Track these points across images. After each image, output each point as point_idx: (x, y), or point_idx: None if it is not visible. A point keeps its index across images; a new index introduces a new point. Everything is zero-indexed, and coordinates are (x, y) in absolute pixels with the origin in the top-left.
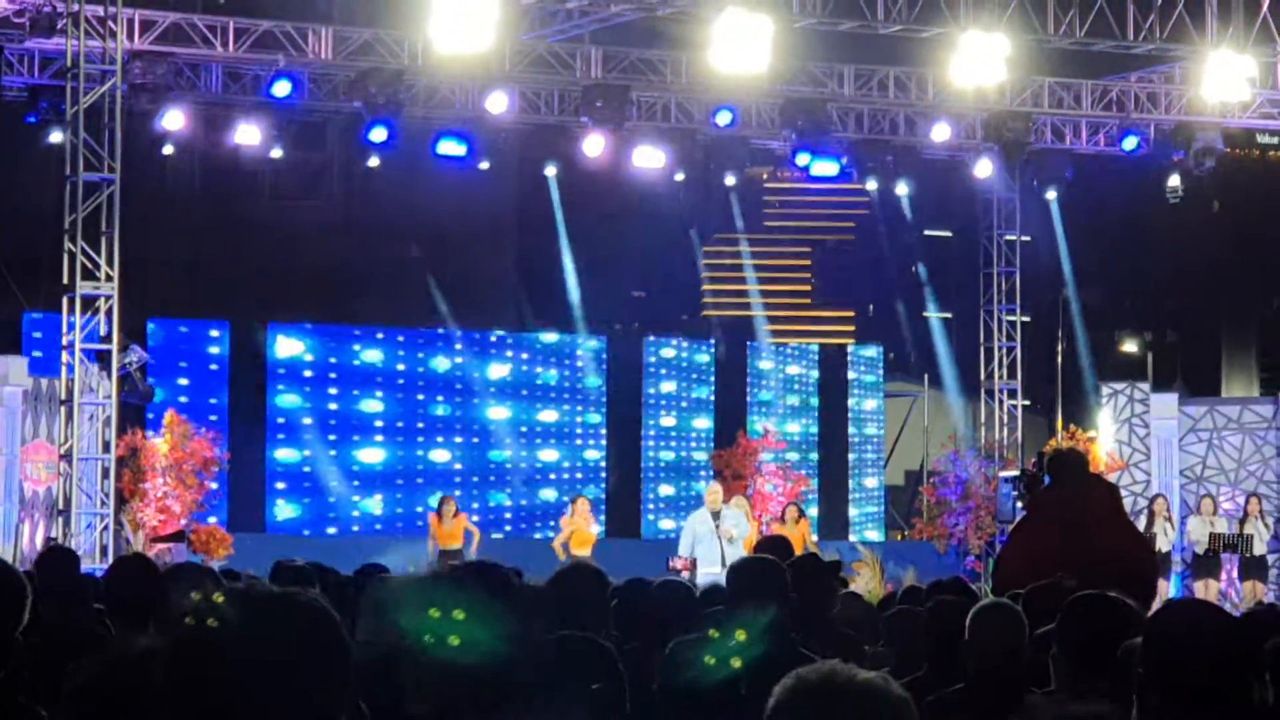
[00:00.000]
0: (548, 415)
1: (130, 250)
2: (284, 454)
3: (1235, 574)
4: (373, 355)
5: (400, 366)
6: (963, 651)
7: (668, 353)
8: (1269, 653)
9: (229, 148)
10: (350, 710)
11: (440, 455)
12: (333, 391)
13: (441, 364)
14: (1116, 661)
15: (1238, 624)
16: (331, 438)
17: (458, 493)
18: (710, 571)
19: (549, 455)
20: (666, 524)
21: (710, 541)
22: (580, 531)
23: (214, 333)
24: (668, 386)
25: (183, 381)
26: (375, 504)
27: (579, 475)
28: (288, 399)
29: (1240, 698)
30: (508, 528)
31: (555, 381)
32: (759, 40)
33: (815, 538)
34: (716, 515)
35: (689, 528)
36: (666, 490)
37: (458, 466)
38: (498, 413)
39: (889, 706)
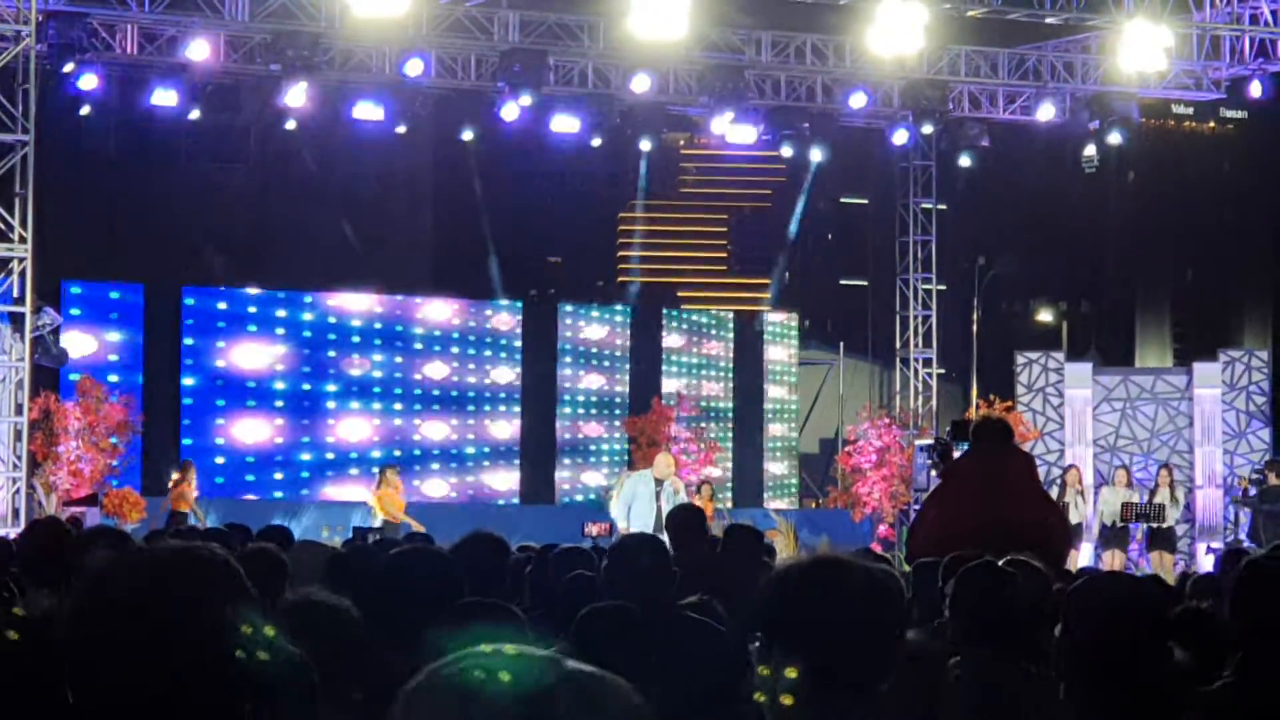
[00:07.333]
0: (463, 378)
1: (45, 212)
2: (197, 416)
3: (1143, 544)
4: (287, 318)
5: (314, 330)
6: None
7: (582, 320)
8: (1175, 620)
9: (145, 109)
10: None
11: (358, 419)
12: (247, 353)
13: (356, 326)
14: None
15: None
16: (249, 402)
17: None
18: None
19: (465, 415)
20: (587, 477)
21: (649, 503)
22: (396, 499)
23: (129, 295)
24: (582, 351)
25: (96, 344)
26: (288, 468)
27: (493, 438)
28: (202, 361)
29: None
30: (416, 481)
31: (471, 345)
32: (678, 6)
33: (723, 521)
34: (659, 484)
35: (630, 486)
36: (579, 456)
37: (376, 425)
38: (413, 376)
39: None
